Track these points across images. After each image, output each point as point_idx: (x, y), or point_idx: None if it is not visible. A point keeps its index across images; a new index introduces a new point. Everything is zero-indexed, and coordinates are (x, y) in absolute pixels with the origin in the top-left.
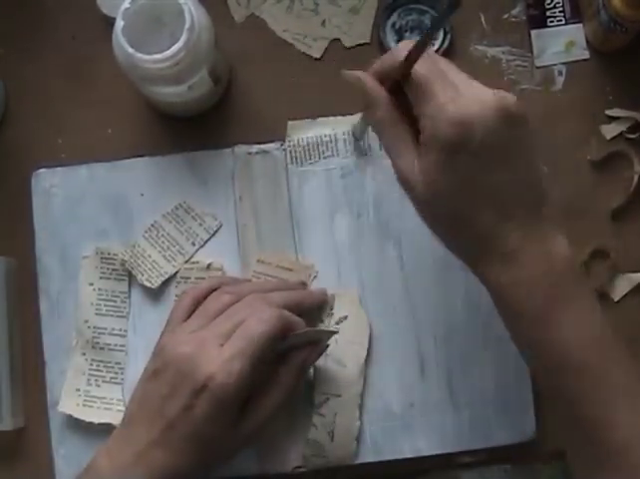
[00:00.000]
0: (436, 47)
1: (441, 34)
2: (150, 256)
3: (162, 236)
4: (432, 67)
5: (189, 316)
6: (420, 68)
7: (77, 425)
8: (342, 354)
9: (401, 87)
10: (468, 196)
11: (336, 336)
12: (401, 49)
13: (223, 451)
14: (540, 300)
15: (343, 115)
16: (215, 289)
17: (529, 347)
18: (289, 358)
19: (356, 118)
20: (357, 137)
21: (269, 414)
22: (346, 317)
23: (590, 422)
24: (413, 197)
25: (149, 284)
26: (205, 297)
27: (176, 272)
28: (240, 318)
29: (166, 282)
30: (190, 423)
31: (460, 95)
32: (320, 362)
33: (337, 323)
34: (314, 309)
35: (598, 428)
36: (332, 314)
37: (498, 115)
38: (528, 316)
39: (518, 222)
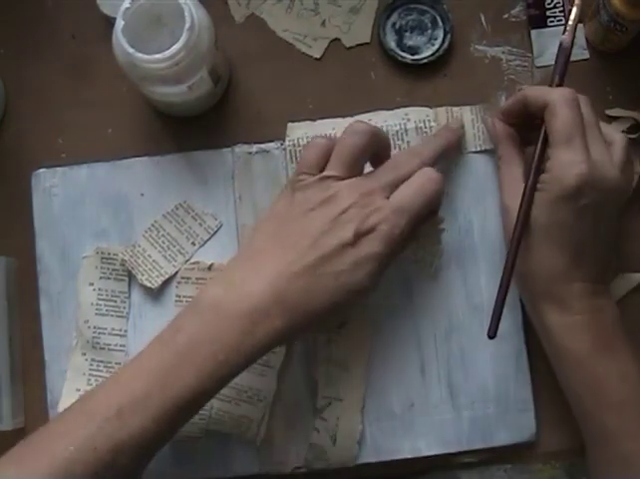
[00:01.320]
0: (436, 47)
1: (441, 34)
2: (150, 256)
3: (163, 235)
4: (576, 117)
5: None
6: (567, 114)
7: None
8: (344, 358)
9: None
10: (556, 238)
11: (337, 341)
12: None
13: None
14: (587, 346)
15: (343, 114)
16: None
17: (572, 386)
18: None
19: (355, 118)
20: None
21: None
22: (347, 321)
23: (634, 456)
24: (508, 223)
25: (149, 284)
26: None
27: (177, 272)
28: (404, 172)
29: (167, 283)
30: (355, 262)
31: (593, 161)
32: (322, 366)
33: (338, 328)
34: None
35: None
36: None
37: (617, 188)
38: (574, 358)
39: (586, 273)
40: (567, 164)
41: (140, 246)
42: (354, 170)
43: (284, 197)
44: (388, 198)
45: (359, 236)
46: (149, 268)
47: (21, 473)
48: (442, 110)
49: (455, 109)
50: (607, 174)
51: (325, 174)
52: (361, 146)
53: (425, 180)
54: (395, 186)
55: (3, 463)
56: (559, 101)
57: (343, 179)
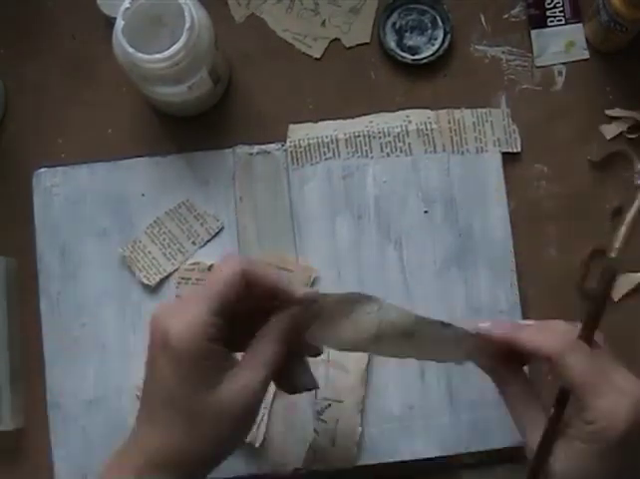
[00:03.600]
0: (436, 47)
1: (441, 34)
2: (150, 253)
3: (164, 232)
4: (590, 362)
5: None
6: (579, 363)
7: (77, 425)
8: (344, 360)
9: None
10: None
11: None
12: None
13: (209, 423)
14: None
15: (343, 115)
16: None
17: None
18: (268, 322)
19: (357, 120)
20: None
21: (251, 384)
22: None
23: None
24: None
25: (146, 282)
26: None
27: (175, 271)
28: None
29: (166, 282)
30: (161, 386)
31: (627, 393)
32: (322, 368)
33: None
34: None
35: None
36: None
37: None
38: None
39: None
40: (611, 411)
41: (140, 242)
42: None
43: None
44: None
45: (158, 353)
46: (147, 265)
47: None
48: (443, 112)
49: (456, 111)
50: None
51: None
52: None
53: (212, 275)
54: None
55: None
56: (564, 352)
57: None
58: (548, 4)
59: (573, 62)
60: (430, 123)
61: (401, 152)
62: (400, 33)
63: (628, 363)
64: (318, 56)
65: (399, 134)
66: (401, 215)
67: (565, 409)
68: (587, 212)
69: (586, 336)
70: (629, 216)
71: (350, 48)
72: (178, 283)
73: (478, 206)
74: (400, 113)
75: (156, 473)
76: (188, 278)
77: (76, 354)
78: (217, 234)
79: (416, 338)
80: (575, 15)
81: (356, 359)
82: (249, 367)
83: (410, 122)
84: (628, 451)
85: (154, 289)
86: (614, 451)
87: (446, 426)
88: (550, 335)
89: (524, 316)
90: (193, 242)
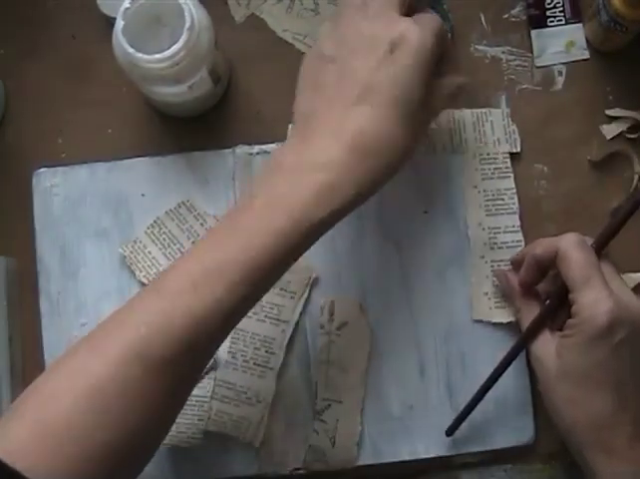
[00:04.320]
0: None
1: None
2: (150, 253)
3: (164, 232)
4: (589, 256)
5: None
6: (579, 257)
7: None
8: (344, 360)
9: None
10: (597, 381)
11: (337, 342)
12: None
13: (417, 123)
14: None
15: None
16: None
17: None
18: None
19: None
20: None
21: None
22: (347, 323)
23: None
24: (544, 375)
25: (146, 282)
26: None
27: None
28: None
29: None
30: (392, 79)
31: (615, 294)
32: (322, 368)
33: (338, 329)
34: None
35: None
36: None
37: None
38: None
39: (633, 415)
40: (593, 303)
41: (140, 242)
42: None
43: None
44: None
45: (390, 50)
46: (147, 265)
47: (92, 359)
48: (443, 112)
49: (456, 111)
50: (632, 304)
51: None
52: None
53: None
54: None
55: (79, 351)
56: (569, 246)
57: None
58: (548, 4)
59: (573, 62)
60: None
61: None
62: None
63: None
64: None
65: None
66: (401, 215)
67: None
68: (587, 212)
69: (598, 245)
70: None
71: None
72: None
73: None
74: None
75: None
76: None
77: None
78: None
79: None
80: (575, 15)
81: (355, 359)
82: None
83: None
84: (606, 348)
85: None
86: (593, 345)
87: (446, 426)
88: (558, 238)
89: None
90: (193, 243)
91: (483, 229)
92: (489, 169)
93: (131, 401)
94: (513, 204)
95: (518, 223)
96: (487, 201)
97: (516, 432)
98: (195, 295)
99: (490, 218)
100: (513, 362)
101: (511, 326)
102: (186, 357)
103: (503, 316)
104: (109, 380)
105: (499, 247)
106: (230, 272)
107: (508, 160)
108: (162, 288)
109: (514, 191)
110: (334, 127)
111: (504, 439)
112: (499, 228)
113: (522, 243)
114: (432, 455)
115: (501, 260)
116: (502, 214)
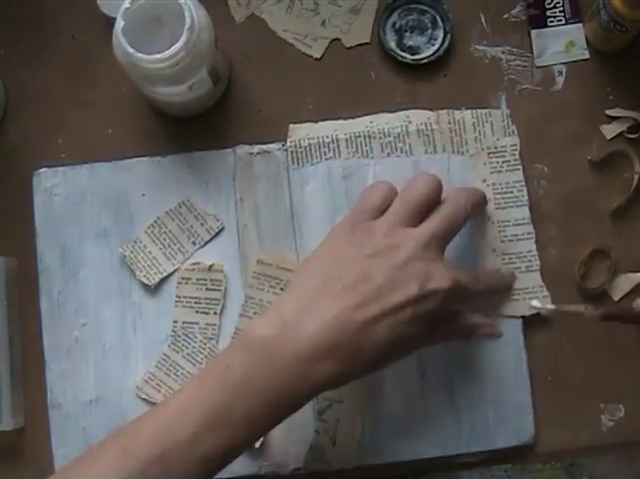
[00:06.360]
0: (436, 47)
1: (441, 34)
2: (150, 253)
3: (164, 232)
4: None
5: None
6: None
7: (77, 425)
8: None
9: None
10: None
11: None
12: None
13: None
14: None
15: (343, 114)
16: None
17: None
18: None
19: (357, 120)
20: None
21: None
22: None
23: None
24: None
25: (146, 281)
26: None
27: (175, 271)
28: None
29: (167, 283)
30: (414, 316)
31: None
32: None
33: None
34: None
35: None
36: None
37: None
38: None
39: None
40: None
41: (141, 242)
42: (417, 219)
43: (342, 232)
44: (444, 248)
45: (422, 296)
46: (148, 265)
47: None
48: (443, 113)
49: (456, 112)
50: None
51: (392, 219)
52: (429, 196)
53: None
54: (451, 233)
55: None
56: None
57: (407, 227)
58: (548, 4)
59: (573, 62)
60: (430, 123)
61: (401, 152)
62: (400, 33)
63: (628, 362)
64: (318, 56)
65: (399, 134)
66: None
67: None
68: (587, 212)
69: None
70: None
71: (350, 48)
72: (179, 284)
73: None
74: (400, 113)
75: None
76: (189, 279)
77: (76, 354)
78: (217, 234)
79: None
80: (575, 15)
81: None
82: None
83: (410, 122)
84: None
85: (154, 289)
86: None
87: (446, 427)
88: None
89: (524, 319)
90: (194, 243)
91: (493, 222)
92: (498, 162)
93: None
94: (523, 196)
95: (529, 215)
96: (497, 194)
97: (516, 432)
98: (164, 468)
99: (500, 211)
100: (513, 362)
101: (513, 325)
102: None
103: (514, 310)
104: None
105: (510, 240)
106: (202, 451)
107: (517, 152)
108: (131, 451)
109: (524, 183)
110: (332, 316)
111: (504, 439)
112: (509, 221)
113: (533, 236)
114: (432, 455)
115: (512, 253)
116: (512, 206)
